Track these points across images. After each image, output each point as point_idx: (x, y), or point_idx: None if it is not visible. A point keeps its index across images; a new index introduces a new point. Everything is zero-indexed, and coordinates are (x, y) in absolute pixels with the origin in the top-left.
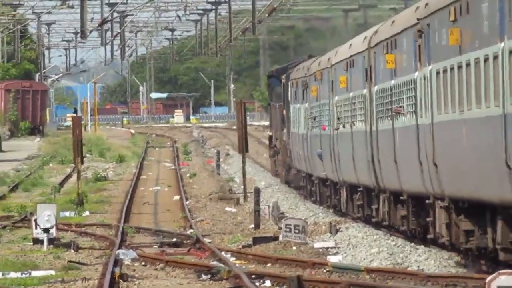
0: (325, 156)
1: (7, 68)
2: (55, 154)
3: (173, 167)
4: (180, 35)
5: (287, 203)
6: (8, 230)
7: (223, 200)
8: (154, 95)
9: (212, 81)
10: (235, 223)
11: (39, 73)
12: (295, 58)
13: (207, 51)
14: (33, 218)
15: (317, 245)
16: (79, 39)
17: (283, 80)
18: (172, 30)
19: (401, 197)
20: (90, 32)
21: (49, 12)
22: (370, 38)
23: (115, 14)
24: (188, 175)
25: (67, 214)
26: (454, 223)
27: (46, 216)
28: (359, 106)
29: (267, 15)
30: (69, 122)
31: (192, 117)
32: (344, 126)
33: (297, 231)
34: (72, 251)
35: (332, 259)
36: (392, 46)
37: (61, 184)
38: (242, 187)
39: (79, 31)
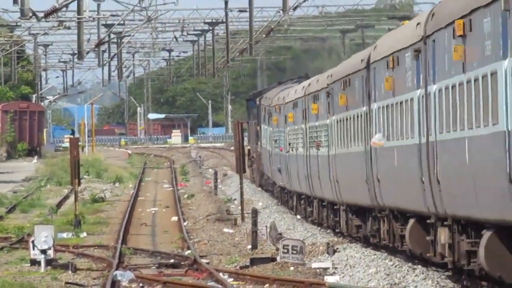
0: (282, 170)
1: (5, 91)
2: (52, 175)
3: (171, 188)
4: (177, 56)
5: (284, 223)
6: (5, 252)
7: (220, 221)
8: (152, 115)
9: (210, 101)
10: (232, 244)
11: (36, 95)
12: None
13: (205, 72)
14: (30, 239)
15: (314, 265)
16: (76, 60)
17: (257, 102)
18: (170, 51)
19: (335, 207)
20: (87, 53)
21: (45, 33)
22: (306, 88)
23: (112, 35)
24: (186, 196)
25: (64, 235)
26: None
27: (43, 237)
28: (300, 136)
29: (264, 35)
30: (66, 144)
31: (190, 138)
32: (292, 150)
33: (294, 252)
34: (70, 272)
35: (330, 279)
36: (316, 98)
37: (59, 205)
38: (240, 208)
39: (76, 52)
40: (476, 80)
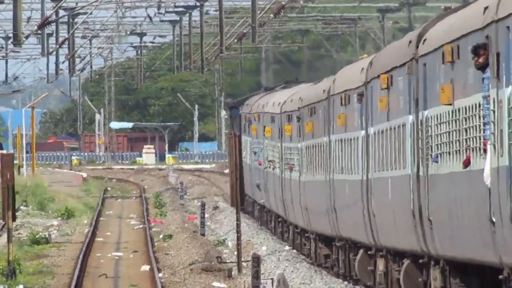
0: (261, 187)
1: None
2: None
3: (140, 226)
4: (151, 42)
5: (297, 275)
6: None
7: (209, 271)
8: (115, 124)
9: (196, 106)
10: None
11: None
12: (292, 81)
13: (189, 65)
14: None
15: None
16: (11, 46)
17: (240, 112)
18: (141, 35)
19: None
20: (27, 37)
21: None
22: (282, 105)
23: (62, 12)
24: (161, 236)
25: None
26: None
27: None
28: (276, 155)
29: (272, 15)
30: None
31: (167, 156)
32: (270, 168)
33: None
34: None
35: None
36: (290, 119)
37: None
38: (236, 253)
39: (10, 35)
40: (394, 128)
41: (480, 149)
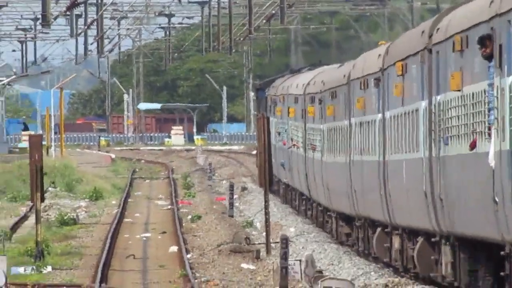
0: (286, 166)
1: None
2: (5, 187)
3: (169, 207)
4: (180, 24)
5: (325, 257)
6: None
7: (237, 253)
8: (144, 105)
9: (225, 87)
10: (254, 285)
11: None
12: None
13: (218, 46)
14: None
15: None
16: (39, 27)
17: (266, 92)
18: (170, 16)
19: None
20: (55, 18)
21: None
22: (305, 86)
23: None
24: (189, 218)
25: (21, 270)
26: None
27: None
28: (300, 135)
29: None
30: (25, 143)
31: (196, 137)
32: (294, 147)
33: None
34: None
35: None
36: (313, 100)
37: (13, 228)
38: (264, 235)
39: (39, 16)
40: (408, 113)
41: (485, 133)
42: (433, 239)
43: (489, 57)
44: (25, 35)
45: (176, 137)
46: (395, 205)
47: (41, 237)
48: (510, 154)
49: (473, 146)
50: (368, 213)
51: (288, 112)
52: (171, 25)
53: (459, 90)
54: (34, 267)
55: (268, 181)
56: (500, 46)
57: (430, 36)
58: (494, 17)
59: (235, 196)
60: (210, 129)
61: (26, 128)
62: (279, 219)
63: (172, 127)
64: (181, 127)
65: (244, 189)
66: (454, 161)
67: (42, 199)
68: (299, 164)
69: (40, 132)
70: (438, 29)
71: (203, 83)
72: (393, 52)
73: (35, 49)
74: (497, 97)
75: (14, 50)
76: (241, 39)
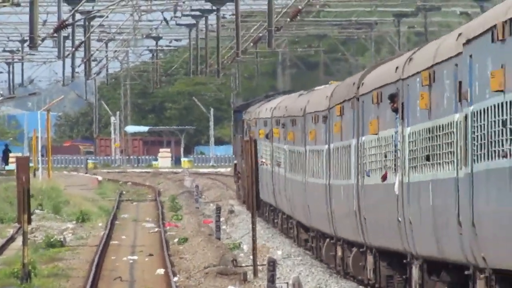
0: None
1: None
2: None
3: (156, 229)
4: (167, 46)
5: (313, 279)
6: None
7: (224, 275)
8: (131, 128)
9: (212, 110)
10: None
11: None
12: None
13: (206, 69)
14: None
15: None
16: (27, 49)
17: (243, 116)
18: (157, 39)
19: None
20: (43, 40)
21: None
22: (273, 109)
23: (78, 16)
24: (176, 240)
25: None
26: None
27: None
28: (269, 153)
29: (288, 19)
30: (12, 166)
31: (183, 160)
32: (263, 164)
33: None
34: None
35: None
36: (278, 123)
37: (0, 250)
38: (251, 257)
39: (26, 38)
40: (345, 147)
41: (393, 168)
42: (361, 250)
43: (396, 110)
44: (12, 56)
45: (163, 159)
46: (337, 220)
47: (28, 259)
48: (408, 186)
49: (384, 177)
50: (319, 226)
51: (259, 134)
52: (159, 48)
53: (376, 134)
54: None
55: (255, 203)
56: (402, 103)
57: (358, 88)
58: (398, 81)
59: (222, 219)
60: (197, 151)
61: (7, 151)
62: (266, 242)
63: (160, 149)
64: (168, 150)
65: (231, 211)
66: (372, 188)
67: (29, 221)
68: (268, 179)
69: (27, 154)
70: (363, 83)
71: (190, 106)
72: (336, 96)
73: (22, 70)
74: (400, 142)
75: (1, 72)
76: (229, 62)
